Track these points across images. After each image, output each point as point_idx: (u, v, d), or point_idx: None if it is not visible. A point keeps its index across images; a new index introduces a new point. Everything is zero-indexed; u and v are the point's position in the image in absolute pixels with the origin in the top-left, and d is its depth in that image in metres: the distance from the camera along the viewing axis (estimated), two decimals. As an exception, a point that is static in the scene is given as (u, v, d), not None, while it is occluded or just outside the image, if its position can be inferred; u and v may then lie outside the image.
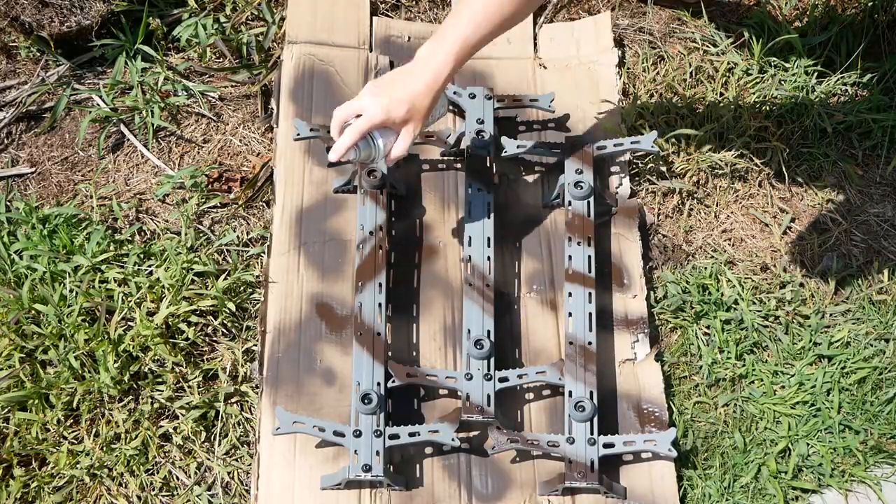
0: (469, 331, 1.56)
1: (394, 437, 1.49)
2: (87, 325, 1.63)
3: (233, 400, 1.64)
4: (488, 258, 1.62)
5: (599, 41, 1.94)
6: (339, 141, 1.40)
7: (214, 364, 1.65)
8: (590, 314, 1.58)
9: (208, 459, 1.59)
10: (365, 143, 1.41)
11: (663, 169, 1.83)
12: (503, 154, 1.74)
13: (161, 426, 1.61)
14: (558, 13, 2.02)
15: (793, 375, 1.69)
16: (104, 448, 1.58)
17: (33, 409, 1.60)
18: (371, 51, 1.91)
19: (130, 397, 1.62)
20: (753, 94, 1.90)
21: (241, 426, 1.62)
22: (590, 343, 1.57)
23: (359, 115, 1.40)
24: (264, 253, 1.72)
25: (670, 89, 1.91)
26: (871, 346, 1.71)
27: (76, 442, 1.59)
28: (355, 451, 1.46)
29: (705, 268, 1.77)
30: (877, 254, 1.83)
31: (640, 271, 1.72)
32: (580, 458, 1.49)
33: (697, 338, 1.72)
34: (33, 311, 1.65)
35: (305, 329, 1.64)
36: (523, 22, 1.94)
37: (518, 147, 1.73)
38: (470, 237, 1.63)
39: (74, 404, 1.60)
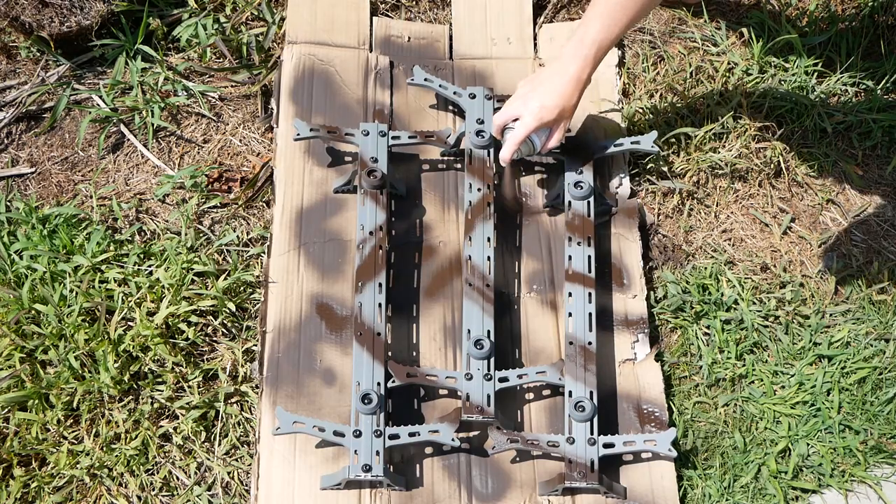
0: (469, 331, 1.56)
1: (394, 437, 1.49)
2: (87, 325, 1.63)
3: (233, 400, 1.64)
4: (488, 258, 1.62)
5: (599, 41, 1.94)
6: (503, 150, 1.61)
7: (214, 364, 1.65)
8: (590, 314, 1.58)
9: (208, 459, 1.59)
10: (524, 144, 1.61)
11: (663, 169, 1.83)
12: (503, 154, 1.74)
13: (161, 426, 1.61)
14: (558, 13, 2.02)
15: (793, 375, 1.69)
16: (104, 448, 1.58)
17: (33, 409, 1.60)
18: (371, 51, 1.91)
19: (130, 397, 1.62)
20: (753, 94, 1.90)
21: (241, 426, 1.62)
22: (590, 343, 1.57)
23: (516, 119, 1.59)
24: (264, 253, 1.72)
25: (670, 89, 1.91)
26: (871, 346, 1.72)
27: (76, 442, 1.59)
28: (355, 451, 1.46)
29: (705, 268, 1.77)
30: (877, 254, 1.83)
31: (640, 271, 1.72)
32: (580, 458, 1.49)
33: (697, 338, 1.71)
34: (33, 311, 1.65)
35: (305, 329, 1.64)
36: (523, 22, 1.96)
37: (518, 147, 1.73)
38: (470, 237, 1.63)
39: (74, 404, 1.60)
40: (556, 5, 2.01)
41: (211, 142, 1.88)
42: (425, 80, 1.80)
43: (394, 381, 1.53)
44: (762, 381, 1.69)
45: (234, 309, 1.68)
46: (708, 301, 1.73)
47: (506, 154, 1.60)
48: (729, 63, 1.93)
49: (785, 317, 1.74)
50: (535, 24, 1.98)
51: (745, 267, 1.79)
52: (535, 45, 1.95)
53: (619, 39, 1.55)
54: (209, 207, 1.80)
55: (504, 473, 1.56)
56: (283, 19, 1.93)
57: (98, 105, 1.90)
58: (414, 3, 2.02)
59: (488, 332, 1.56)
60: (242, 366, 1.65)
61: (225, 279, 1.69)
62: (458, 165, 1.80)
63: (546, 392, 1.62)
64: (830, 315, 1.75)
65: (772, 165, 1.86)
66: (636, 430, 1.59)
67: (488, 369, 1.53)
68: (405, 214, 1.76)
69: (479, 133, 1.71)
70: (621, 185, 1.80)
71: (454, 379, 1.54)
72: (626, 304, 1.70)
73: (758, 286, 1.77)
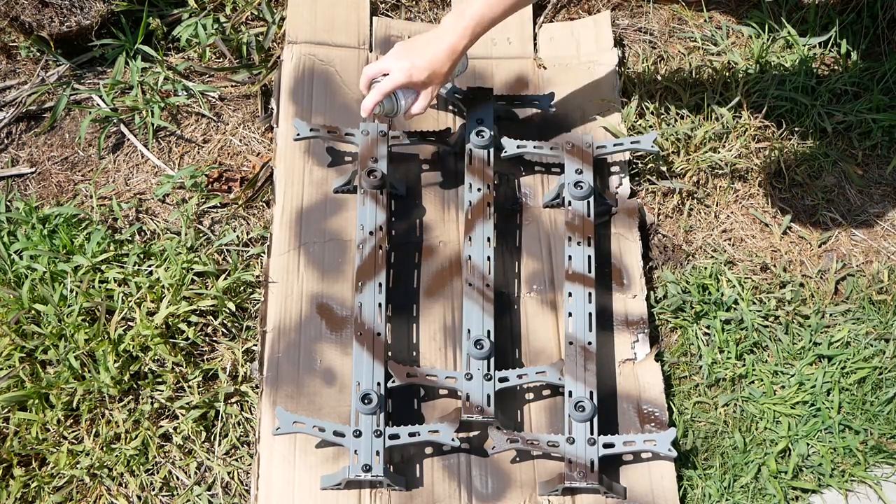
0: (469, 331, 1.56)
1: (394, 437, 1.49)
2: (87, 325, 1.63)
3: (233, 400, 1.64)
4: (488, 258, 1.62)
5: (599, 41, 1.94)
6: (366, 98, 1.58)
7: (214, 364, 1.65)
8: (590, 314, 1.58)
9: (208, 459, 1.59)
10: (388, 99, 1.59)
11: (663, 169, 1.83)
12: (503, 154, 1.73)
13: (161, 426, 1.61)
14: (558, 13, 2.02)
15: (793, 375, 1.69)
16: (104, 448, 1.58)
17: (33, 409, 1.60)
18: (371, 51, 1.91)
19: (130, 397, 1.62)
20: (753, 94, 1.90)
21: (241, 426, 1.62)
22: (590, 343, 1.56)
23: (385, 75, 1.57)
24: (264, 253, 1.72)
25: (670, 89, 1.91)
26: (871, 346, 1.71)
27: (76, 442, 1.59)
28: (355, 451, 1.46)
29: (705, 268, 1.77)
30: (877, 254, 1.83)
31: (639, 271, 1.72)
32: (580, 459, 1.49)
33: (697, 338, 1.71)
34: (33, 311, 1.65)
35: (305, 329, 1.64)
36: (523, 21, 1.96)
37: (518, 147, 1.73)
38: (470, 237, 1.63)
39: (74, 404, 1.60)
40: (555, 5, 2.01)
41: (211, 142, 1.89)
42: (425, 80, 1.80)
43: (394, 382, 1.53)
44: (762, 381, 1.69)
45: (233, 309, 1.68)
46: (708, 301, 1.73)
47: (368, 104, 1.57)
48: (729, 63, 1.93)
49: (785, 317, 1.74)
50: (534, 23, 1.98)
51: (745, 267, 1.79)
52: (535, 44, 1.95)
53: (502, 17, 1.55)
54: (209, 207, 1.80)
55: (504, 473, 1.56)
56: (282, 19, 1.93)
57: (98, 105, 1.90)
58: (414, 2, 2.02)
59: (488, 332, 1.56)
60: (242, 366, 1.65)
61: (225, 279, 1.69)
62: (459, 166, 1.80)
63: (546, 392, 1.62)
64: (830, 315, 1.75)
65: (772, 165, 1.86)
66: (636, 430, 1.59)
67: (488, 369, 1.53)
68: (405, 214, 1.76)
69: (478, 133, 1.71)
70: (621, 185, 1.80)
71: (454, 379, 1.54)
72: (626, 304, 1.70)
73: (758, 286, 1.77)
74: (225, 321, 1.68)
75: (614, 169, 1.81)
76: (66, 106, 1.89)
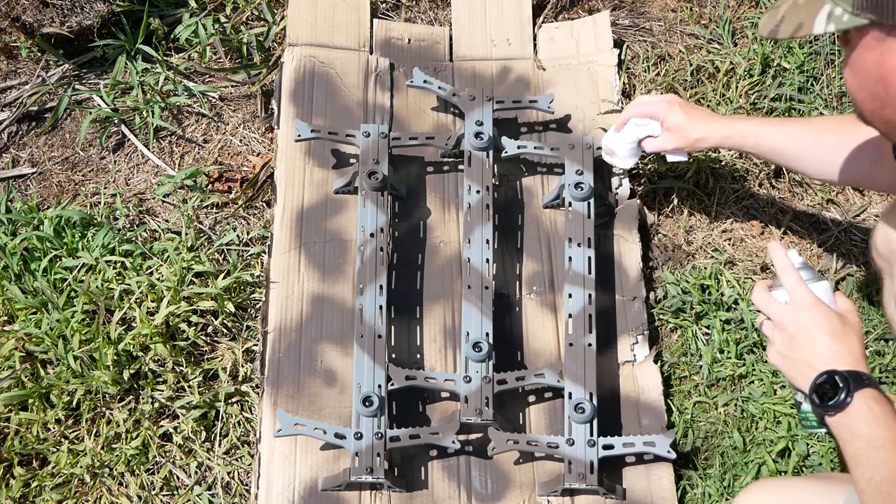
0: (468, 333, 1.55)
1: (394, 439, 1.49)
2: (87, 325, 1.63)
3: (233, 400, 1.64)
4: (487, 260, 1.61)
5: (599, 41, 1.94)
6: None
7: (215, 364, 1.66)
8: (589, 316, 1.58)
9: (209, 459, 1.60)
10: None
11: (663, 169, 1.83)
12: (504, 154, 1.73)
13: (161, 426, 1.61)
14: (559, 14, 2.02)
15: (792, 376, 1.69)
16: (105, 448, 1.58)
17: (34, 409, 1.60)
18: (371, 53, 1.91)
19: (131, 397, 1.63)
20: (754, 94, 1.90)
21: (242, 426, 1.62)
22: (589, 345, 1.56)
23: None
24: (265, 253, 1.72)
25: (671, 89, 1.91)
26: (871, 346, 1.71)
27: (77, 441, 1.60)
28: (356, 453, 1.46)
29: (705, 268, 1.77)
30: (877, 254, 1.83)
31: (639, 273, 1.72)
32: (580, 460, 1.49)
33: (697, 338, 1.71)
34: (34, 311, 1.66)
35: (306, 329, 1.64)
36: (523, 22, 1.96)
37: (518, 147, 1.73)
38: (469, 239, 1.63)
39: (75, 404, 1.61)
40: (555, 6, 2.01)
41: (211, 142, 1.89)
42: (424, 81, 1.80)
43: (393, 385, 1.53)
44: (762, 381, 1.69)
45: (233, 309, 1.68)
46: (708, 301, 1.73)
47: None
48: (730, 63, 1.93)
49: (785, 317, 1.73)
50: (534, 24, 1.98)
51: (744, 267, 1.79)
52: (535, 45, 1.95)
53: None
54: (209, 207, 1.80)
55: (504, 474, 1.56)
56: (283, 18, 1.93)
57: (99, 105, 1.90)
58: (414, 2, 2.02)
59: (487, 334, 1.55)
60: (243, 366, 1.66)
61: (224, 279, 1.69)
62: (460, 167, 1.80)
63: (548, 394, 1.62)
64: (830, 315, 1.75)
65: (772, 165, 1.86)
66: (636, 431, 1.59)
67: (487, 372, 1.53)
68: (406, 216, 1.76)
69: (477, 135, 1.70)
70: (621, 186, 1.80)
71: (453, 381, 1.54)
72: (625, 306, 1.70)
73: (758, 286, 1.76)
74: (225, 321, 1.68)
75: (614, 170, 1.81)
76: (66, 106, 1.89)
